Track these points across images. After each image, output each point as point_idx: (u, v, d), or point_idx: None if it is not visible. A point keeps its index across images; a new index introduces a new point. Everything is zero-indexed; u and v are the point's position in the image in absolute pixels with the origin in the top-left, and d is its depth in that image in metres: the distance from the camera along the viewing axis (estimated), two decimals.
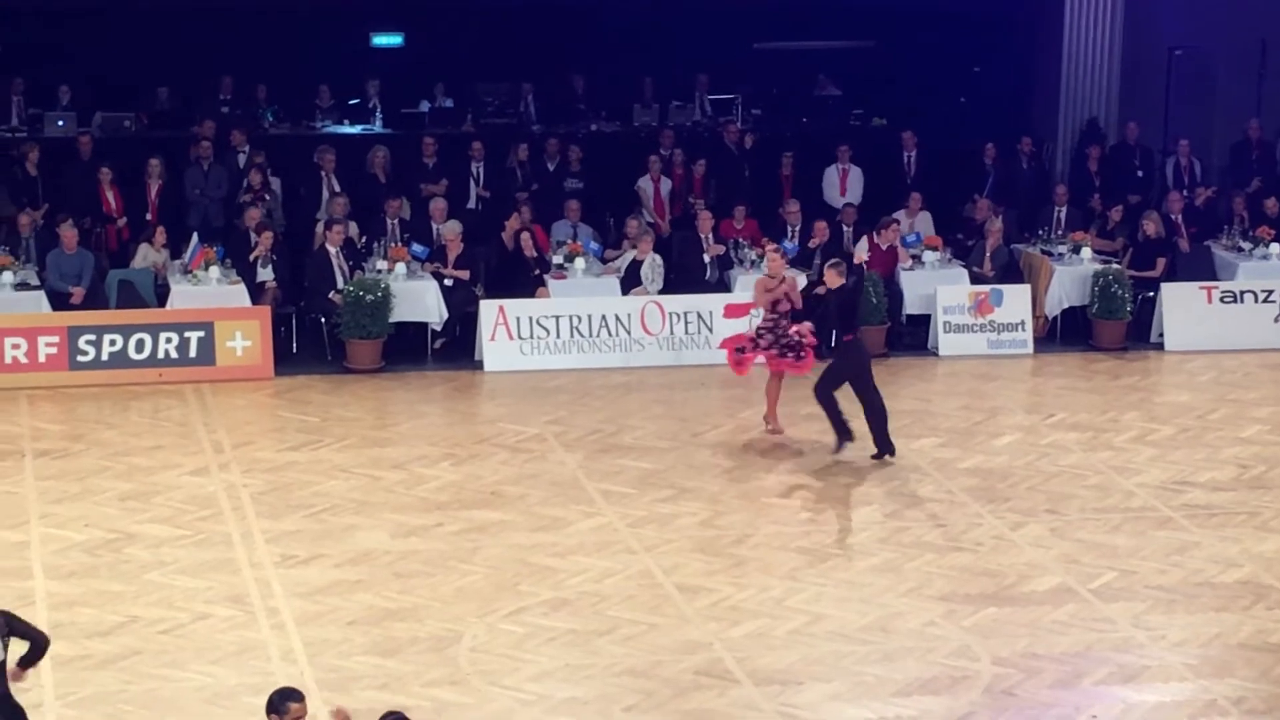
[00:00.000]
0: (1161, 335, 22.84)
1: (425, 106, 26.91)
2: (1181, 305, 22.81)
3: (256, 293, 21.67)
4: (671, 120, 27.05)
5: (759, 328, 19.00)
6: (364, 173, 24.50)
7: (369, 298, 21.14)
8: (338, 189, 23.86)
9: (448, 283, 21.96)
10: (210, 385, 20.58)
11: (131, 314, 21.06)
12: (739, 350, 19.05)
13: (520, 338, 21.54)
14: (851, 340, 18.42)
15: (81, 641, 13.79)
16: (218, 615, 14.36)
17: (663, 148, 25.56)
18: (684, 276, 22.68)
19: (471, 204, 24.66)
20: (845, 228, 23.75)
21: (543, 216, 23.72)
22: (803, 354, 18.78)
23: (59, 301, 21.24)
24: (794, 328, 18.84)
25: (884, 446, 18.36)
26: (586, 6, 27.26)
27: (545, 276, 22.32)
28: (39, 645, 10.89)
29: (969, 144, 26.01)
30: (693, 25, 27.16)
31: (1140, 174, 26.19)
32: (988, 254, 23.23)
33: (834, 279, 18.35)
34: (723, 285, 22.71)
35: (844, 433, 18.42)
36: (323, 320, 21.78)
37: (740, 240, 23.22)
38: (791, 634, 14.18)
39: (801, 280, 21.95)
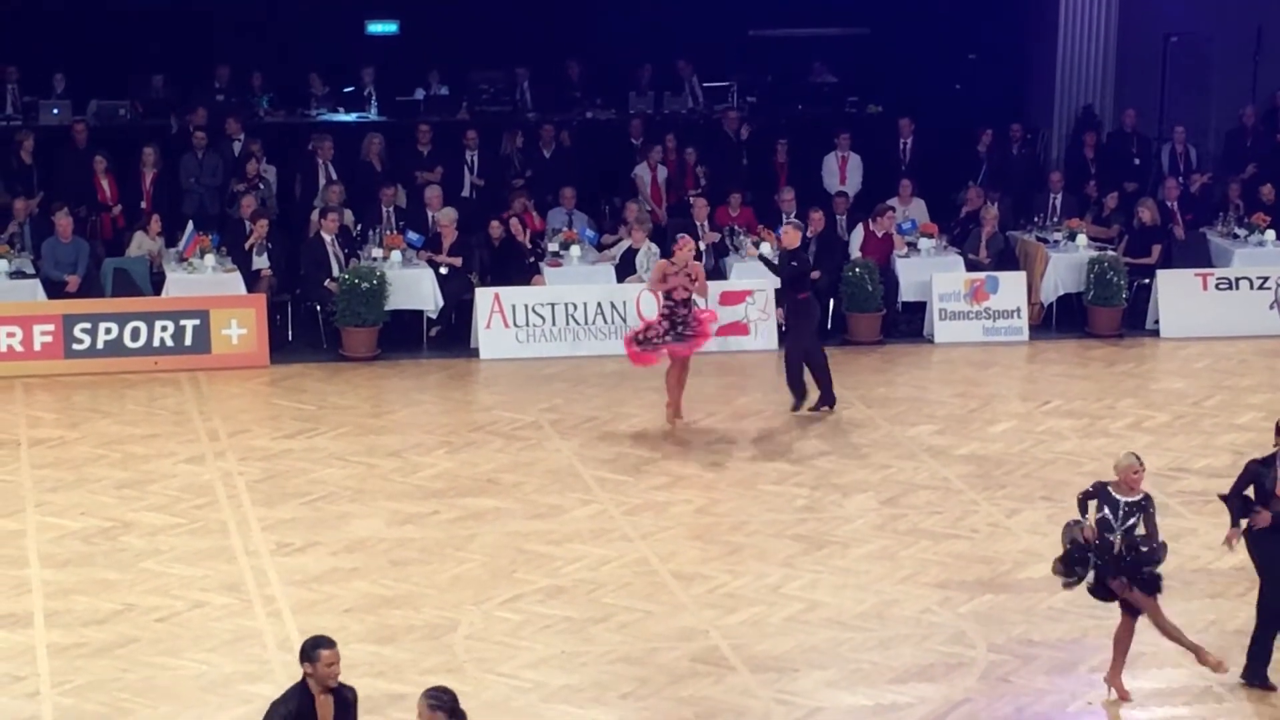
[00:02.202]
0: (1157, 322, 22.85)
1: (420, 94, 26.87)
2: (1177, 292, 22.82)
3: (252, 281, 21.67)
4: (666, 107, 27.03)
5: (659, 314, 18.82)
6: (359, 160, 24.47)
7: (364, 285, 21.13)
8: (334, 177, 23.84)
9: (443, 270, 21.95)
10: (206, 373, 20.58)
11: (127, 302, 21.05)
12: (638, 343, 18.76)
13: (516, 325, 21.53)
14: (806, 298, 19.23)
15: (78, 630, 13.80)
16: (214, 603, 14.36)
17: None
18: None
19: (466, 192, 24.63)
20: (838, 216, 23.73)
21: (538, 204, 23.73)
22: (699, 330, 18.79)
23: (54, 290, 21.22)
24: (696, 312, 18.85)
25: (828, 398, 19.41)
26: None
27: (541, 264, 22.31)
28: None
29: (965, 131, 25.99)
30: (688, 12, 27.12)
31: (1136, 161, 26.18)
32: (983, 241, 23.22)
33: (792, 237, 19.27)
34: (718, 273, 22.70)
35: (800, 393, 19.34)
36: (318, 308, 21.78)
37: (736, 228, 23.22)
38: (787, 621, 14.19)
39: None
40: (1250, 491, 13.20)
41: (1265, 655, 13.24)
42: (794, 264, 19.26)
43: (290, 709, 9.99)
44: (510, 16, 27.02)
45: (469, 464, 17.78)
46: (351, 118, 26.47)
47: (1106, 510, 12.60)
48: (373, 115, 26.50)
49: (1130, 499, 12.61)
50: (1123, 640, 12.96)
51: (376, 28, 28.00)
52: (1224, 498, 13.30)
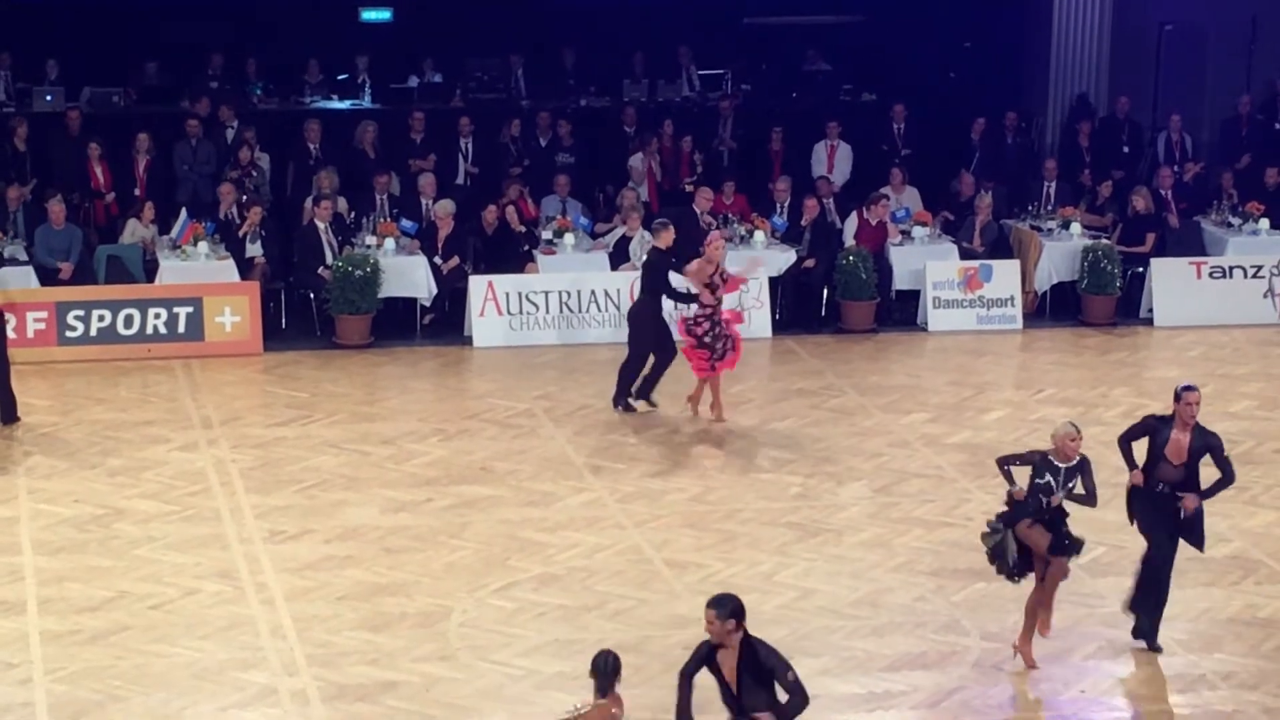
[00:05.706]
0: (1151, 310, 22.85)
1: (414, 81, 26.84)
2: (1171, 280, 22.82)
3: (245, 268, 21.65)
4: (661, 95, 27.02)
5: (697, 315, 18.53)
6: (353, 148, 24.45)
7: (358, 273, 21.12)
8: (319, 158, 23.81)
9: (438, 260, 21.92)
10: (199, 361, 20.57)
11: (120, 289, 21.05)
12: (700, 342, 18.57)
13: (509, 313, 21.52)
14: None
15: (71, 617, 13.79)
16: (206, 590, 14.36)
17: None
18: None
19: (460, 179, 24.62)
20: (824, 200, 23.66)
21: (534, 192, 23.72)
22: (731, 347, 18.59)
23: (47, 277, 21.20)
24: (724, 315, 18.69)
25: (641, 392, 18.99)
26: None
27: (535, 252, 22.30)
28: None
29: (959, 119, 25.97)
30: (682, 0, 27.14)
31: (1129, 150, 26.18)
32: (977, 229, 23.22)
33: (665, 238, 18.91)
34: None
35: (632, 394, 18.98)
36: (312, 296, 21.77)
37: (730, 216, 23.20)
38: (781, 609, 14.19)
39: (790, 256, 21.98)
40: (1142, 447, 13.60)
41: (1152, 615, 13.51)
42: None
43: (699, 653, 10.78)
44: (504, 4, 27.00)
45: (462, 452, 17.77)
46: (345, 105, 26.44)
47: (1048, 476, 13.10)
48: (366, 103, 26.47)
49: (1069, 465, 13.16)
50: (1034, 609, 13.23)
51: (370, 15, 27.97)
52: (1120, 442, 13.77)
